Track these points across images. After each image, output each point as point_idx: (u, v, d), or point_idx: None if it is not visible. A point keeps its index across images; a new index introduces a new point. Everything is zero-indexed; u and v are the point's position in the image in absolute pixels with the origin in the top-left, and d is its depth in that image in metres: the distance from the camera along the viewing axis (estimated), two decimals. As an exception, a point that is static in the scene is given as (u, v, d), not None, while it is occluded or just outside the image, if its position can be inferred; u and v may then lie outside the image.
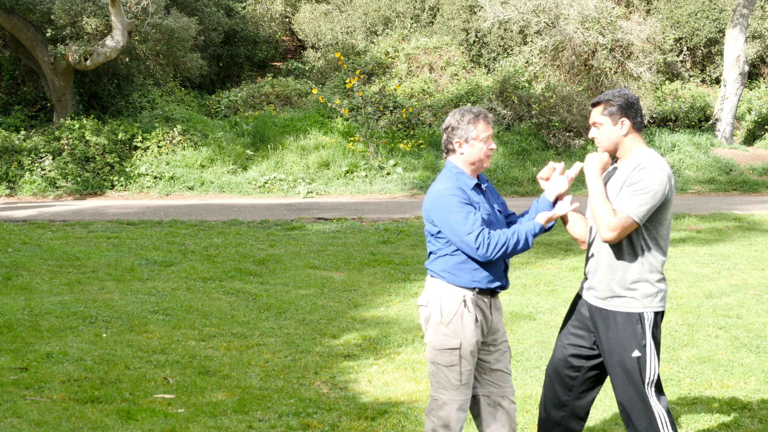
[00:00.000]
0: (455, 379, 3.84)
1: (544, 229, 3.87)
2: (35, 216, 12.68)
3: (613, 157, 3.89)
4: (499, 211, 3.99)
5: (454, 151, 3.93)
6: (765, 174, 18.21)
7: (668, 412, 3.74)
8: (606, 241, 3.68)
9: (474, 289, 3.85)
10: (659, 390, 3.75)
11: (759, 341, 6.52)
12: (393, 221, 12.32)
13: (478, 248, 3.75)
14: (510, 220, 4.07)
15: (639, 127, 3.79)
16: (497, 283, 3.90)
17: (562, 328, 4.05)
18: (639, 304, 3.72)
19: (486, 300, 3.90)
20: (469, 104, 19.17)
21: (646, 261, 3.72)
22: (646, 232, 3.70)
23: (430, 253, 3.95)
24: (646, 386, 3.71)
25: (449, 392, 3.86)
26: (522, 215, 4.08)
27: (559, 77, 19.51)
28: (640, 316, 3.72)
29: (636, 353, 3.70)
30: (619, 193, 3.71)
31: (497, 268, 3.89)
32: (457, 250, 3.82)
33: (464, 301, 3.83)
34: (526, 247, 3.81)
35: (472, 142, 3.89)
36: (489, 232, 3.76)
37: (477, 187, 3.92)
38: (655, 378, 3.73)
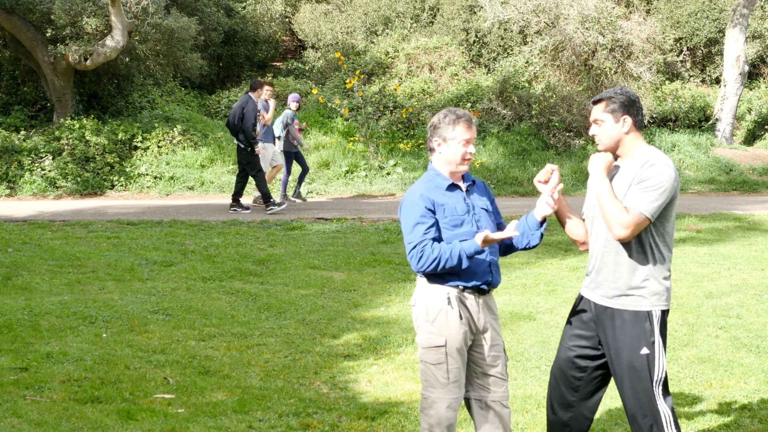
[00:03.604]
0: (443, 377, 3.86)
1: (481, 251, 3.79)
2: (35, 216, 12.68)
3: (614, 156, 3.89)
4: (484, 209, 3.99)
5: (434, 150, 3.98)
6: (765, 174, 18.21)
7: (673, 412, 3.74)
8: (619, 240, 3.66)
9: (458, 286, 3.87)
10: (666, 389, 3.75)
11: (759, 341, 6.52)
12: (393, 221, 12.32)
13: (411, 258, 3.84)
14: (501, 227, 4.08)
15: (640, 125, 3.80)
16: (482, 281, 3.90)
17: (565, 329, 4.04)
18: (647, 302, 3.72)
19: (472, 297, 3.90)
20: (469, 104, 19.18)
21: (654, 258, 3.72)
22: (654, 229, 3.71)
23: None
24: (654, 384, 3.71)
25: (438, 390, 3.88)
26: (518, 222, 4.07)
27: (559, 77, 19.51)
28: (648, 314, 3.72)
29: (645, 351, 3.70)
30: (627, 191, 3.70)
31: (480, 265, 3.89)
32: None
33: (448, 298, 3.86)
34: (459, 265, 3.78)
35: (450, 143, 3.91)
36: (425, 246, 3.78)
37: (454, 186, 3.94)
38: (663, 376, 3.73)
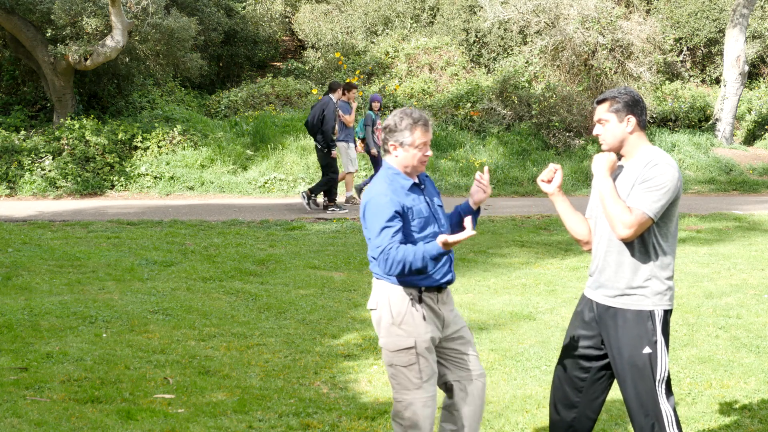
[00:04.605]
0: (416, 377, 3.84)
1: (444, 253, 3.71)
2: (35, 216, 12.68)
3: (618, 155, 3.90)
4: (439, 206, 4.02)
5: (389, 152, 3.95)
6: (765, 174, 18.22)
7: (675, 411, 3.75)
8: (623, 239, 3.67)
9: (419, 287, 3.86)
10: (669, 389, 3.76)
11: (759, 341, 6.53)
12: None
13: (378, 262, 3.80)
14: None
15: (643, 125, 3.81)
16: (442, 280, 3.92)
17: (568, 330, 4.04)
18: (649, 301, 3.73)
19: (433, 296, 3.91)
20: (469, 104, 19.19)
21: (656, 258, 3.72)
22: (657, 229, 3.71)
23: (372, 257, 3.90)
24: (657, 384, 3.71)
25: (412, 392, 3.85)
26: (449, 215, 4.15)
27: (559, 77, 19.51)
28: (650, 314, 3.73)
29: (647, 350, 3.71)
30: (630, 191, 3.71)
31: (447, 264, 3.91)
32: None
33: (411, 300, 3.85)
34: (426, 267, 3.73)
35: (407, 148, 3.88)
36: (391, 249, 3.72)
37: (415, 186, 3.93)
38: (666, 375, 3.74)
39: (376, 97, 14.47)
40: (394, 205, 3.79)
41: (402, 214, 3.81)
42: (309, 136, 17.91)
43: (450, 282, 3.97)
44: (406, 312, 3.84)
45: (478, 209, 4.12)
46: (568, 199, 4.01)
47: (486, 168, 4.21)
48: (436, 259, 3.71)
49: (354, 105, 13.59)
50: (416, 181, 3.94)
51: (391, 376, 3.90)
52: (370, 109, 14.33)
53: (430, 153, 3.92)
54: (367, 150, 14.24)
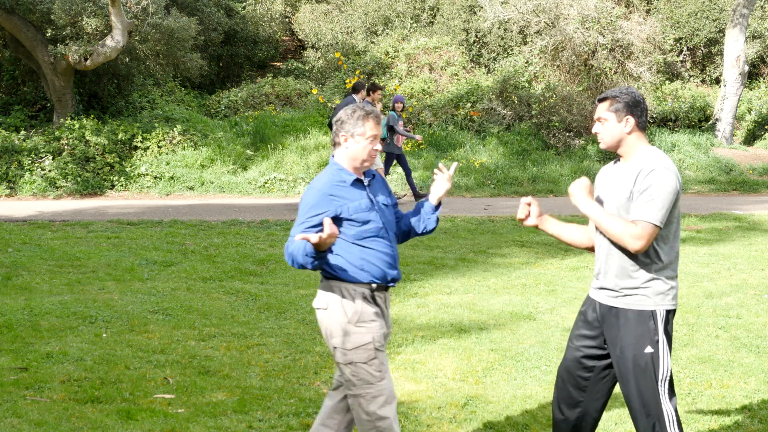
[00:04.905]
0: (376, 371, 3.87)
1: (316, 254, 3.69)
2: (35, 216, 12.68)
3: (616, 156, 3.91)
4: (385, 204, 4.04)
5: (339, 144, 3.99)
6: (765, 174, 18.22)
7: (677, 412, 3.76)
8: (636, 251, 3.67)
9: (371, 284, 3.90)
10: (671, 390, 3.76)
11: (759, 341, 6.53)
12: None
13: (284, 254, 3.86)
14: (397, 216, 4.15)
15: (643, 126, 3.82)
16: (391, 277, 3.96)
17: (572, 330, 4.05)
18: (651, 301, 3.74)
19: (381, 295, 3.97)
20: (469, 104, 19.18)
21: (659, 260, 3.73)
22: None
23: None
24: (659, 383, 3.72)
25: (375, 385, 3.88)
26: (410, 214, 4.18)
27: (559, 77, 19.52)
28: (652, 313, 3.74)
29: (649, 349, 3.72)
30: (629, 194, 3.71)
31: (391, 262, 3.94)
32: (352, 246, 3.88)
33: (364, 297, 3.89)
34: (306, 263, 3.73)
35: (358, 139, 3.93)
36: (289, 242, 3.78)
37: (358, 182, 3.96)
38: (669, 375, 3.74)
39: (399, 97, 14.59)
40: (322, 204, 3.84)
41: (336, 215, 3.83)
42: (307, 136, 17.95)
43: (396, 280, 4.00)
44: (361, 310, 3.88)
45: (439, 204, 4.14)
46: (554, 218, 4.06)
47: (455, 164, 4.23)
48: (314, 257, 3.71)
49: (379, 105, 13.66)
50: (360, 177, 3.98)
51: (351, 374, 3.90)
52: (393, 109, 14.43)
53: (378, 147, 3.98)
54: (389, 151, 14.30)
